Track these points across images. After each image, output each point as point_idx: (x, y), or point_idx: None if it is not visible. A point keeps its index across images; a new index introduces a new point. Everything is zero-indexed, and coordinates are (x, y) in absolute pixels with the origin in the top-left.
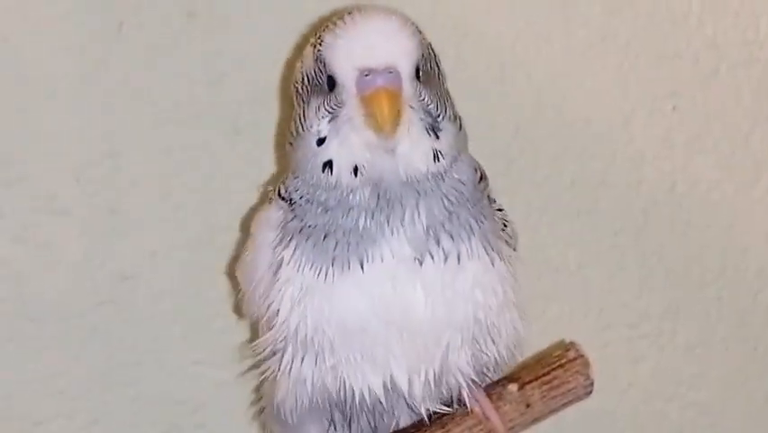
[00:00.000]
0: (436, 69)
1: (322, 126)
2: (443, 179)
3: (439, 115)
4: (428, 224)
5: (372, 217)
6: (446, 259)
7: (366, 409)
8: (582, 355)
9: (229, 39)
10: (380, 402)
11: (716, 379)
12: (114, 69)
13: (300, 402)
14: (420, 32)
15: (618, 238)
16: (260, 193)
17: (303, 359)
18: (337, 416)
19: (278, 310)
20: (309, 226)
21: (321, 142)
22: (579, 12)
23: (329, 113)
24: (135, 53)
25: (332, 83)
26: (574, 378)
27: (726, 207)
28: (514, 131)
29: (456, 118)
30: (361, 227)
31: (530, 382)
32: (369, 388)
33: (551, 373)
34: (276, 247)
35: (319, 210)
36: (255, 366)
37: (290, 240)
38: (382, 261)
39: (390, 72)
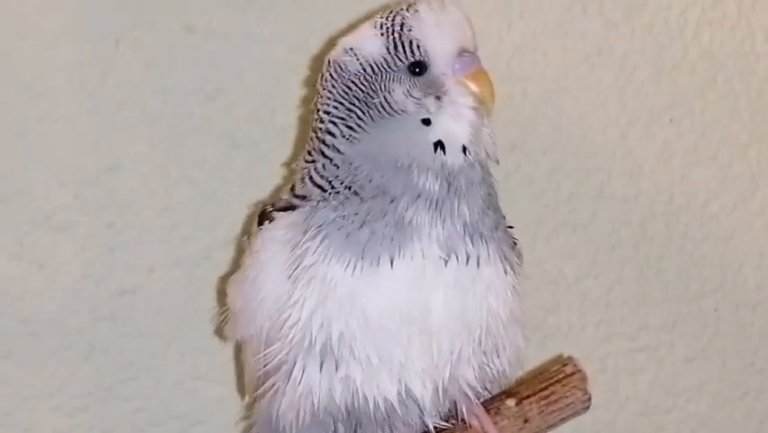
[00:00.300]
0: None
1: (426, 108)
2: (489, 175)
3: None
4: (467, 221)
5: (428, 207)
6: (468, 261)
7: (372, 421)
8: (580, 370)
9: (227, 54)
10: (387, 415)
11: (714, 391)
12: (112, 85)
13: (303, 416)
14: None
15: (616, 251)
16: (253, 211)
17: (315, 367)
18: (340, 430)
19: (303, 306)
20: (344, 217)
21: (427, 122)
22: (575, 26)
23: (428, 94)
24: (133, 69)
25: (420, 67)
26: (572, 393)
27: (723, 220)
28: (511, 144)
29: None
30: (407, 220)
31: (528, 397)
32: (383, 397)
33: (549, 387)
34: (294, 249)
35: (366, 197)
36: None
37: (318, 232)
38: (412, 259)
39: (475, 53)
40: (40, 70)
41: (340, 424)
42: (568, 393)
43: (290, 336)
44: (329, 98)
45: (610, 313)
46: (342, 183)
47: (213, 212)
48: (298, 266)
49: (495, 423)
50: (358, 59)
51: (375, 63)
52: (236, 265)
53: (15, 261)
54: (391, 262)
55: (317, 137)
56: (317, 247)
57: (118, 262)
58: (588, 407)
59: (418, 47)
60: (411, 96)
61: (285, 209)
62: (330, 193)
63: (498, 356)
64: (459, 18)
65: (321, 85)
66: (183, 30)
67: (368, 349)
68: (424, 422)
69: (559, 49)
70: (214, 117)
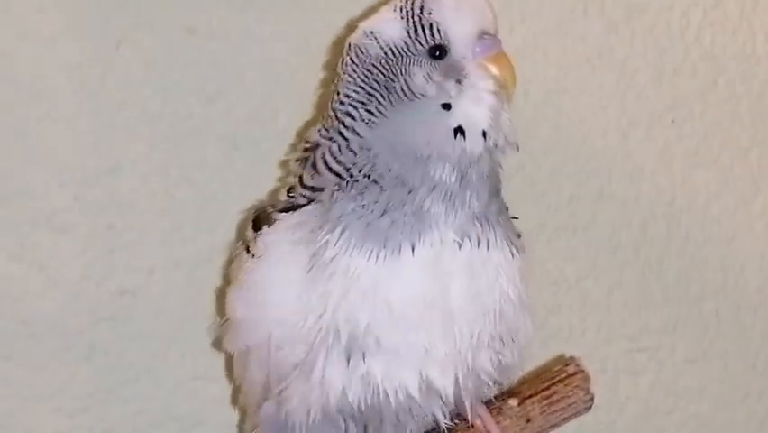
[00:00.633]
0: None
1: (446, 91)
2: (498, 163)
3: None
4: (478, 206)
5: (443, 199)
6: (478, 245)
7: (386, 418)
8: (582, 370)
9: (227, 55)
10: (404, 410)
11: (715, 393)
12: (113, 86)
13: (315, 414)
14: None
15: (617, 253)
16: (246, 216)
17: (340, 363)
18: (351, 428)
19: (327, 301)
20: (364, 206)
21: (447, 106)
22: (576, 27)
23: (448, 78)
24: (133, 70)
25: (440, 50)
26: (574, 393)
27: (725, 222)
28: None
29: None
30: (425, 209)
31: (530, 396)
32: (404, 389)
33: (551, 387)
34: (308, 246)
35: (386, 186)
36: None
37: (337, 223)
38: (431, 245)
39: (496, 36)
40: (40, 70)
41: (351, 422)
42: (570, 393)
43: (311, 335)
44: (349, 82)
45: (611, 314)
46: (360, 171)
47: (213, 213)
48: (317, 262)
49: (497, 423)
50: (378, 43)
51: (395, 47)
52: (227, 273)
53: (15, 262)
54: (412, 249)
55: (337, 117)
56: (338, 240)
57: (118, 263)
58: (590, 407)
59: (438, 30)
60: (431, 79)
61: (287, 210)
62: (348, 182)
63: (513, 341)
64: (479, 1)
65: (341, 68)
66: (183, 31)
67: (394, 337)
68: (435, 420)
69: (560, 50)
70: (214, 118)
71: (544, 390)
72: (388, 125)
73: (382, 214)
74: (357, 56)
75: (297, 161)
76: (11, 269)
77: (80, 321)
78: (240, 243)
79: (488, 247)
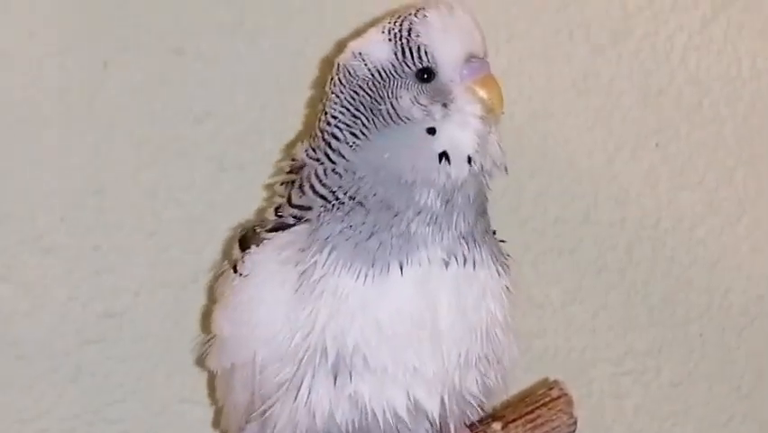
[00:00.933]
0: None
1: (432, 115)
2: (485, 184)
3: None
4: (465, 227)
5: (428, 223)
6: (465, 264)
7: None
8: (566, 394)
9: (215, 77)
10: (391, 431)
11: (700, 416)
12: (100, 107)
13: None
14: None
15: (602, 275)
16: (233, 235)
17: (327, 383)
18: None
19: (315, 321)
20: (351, 227)
21: (432, 131)
22: (562, 50)
23: (435, 101)
24: (121, 91)
25: (427, 73)
26: (558, 416)
27: (710, 244)
28: None
29: None
30: (411, 231)
31: (514, 420)
32: (392, 409)
33: (535, 411)
34: (297, 266)
35: (372, 209)
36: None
37: (325, 244)
38: (419, 265)
39: (485, 59)
40: (27, 92)
41: None
42: (554, 417)
43: (299, 354)
44: (336, 102)
45: (596, 337)
46: (346, 194)
47: (200, 235)
48: (305, 282)
49: None
50: (365, 65)
51: (383, 69)
52: (212, 291)
53: (2, 283)
54: (401, 269)
55: (323, 138)
56: (326, 260)
57: (105, 284)
58: (574, 431)
59: (426, 53)
60: (418, 102)
61: (275, 229)
62: (334, 204)
63: (498, 362)
64: (468, 23)
65: (329, 88)
66: (171, 52)
67: (382, 356)
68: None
69: (546, 73)
70: (201, 140)
71: (527, 413)
72: (373, 149)
73: (370, 236)
74: (344, 76)
75: (282, 184)
76: None
77: (67, 342)
78: (225, 261)
79: (474, 266)
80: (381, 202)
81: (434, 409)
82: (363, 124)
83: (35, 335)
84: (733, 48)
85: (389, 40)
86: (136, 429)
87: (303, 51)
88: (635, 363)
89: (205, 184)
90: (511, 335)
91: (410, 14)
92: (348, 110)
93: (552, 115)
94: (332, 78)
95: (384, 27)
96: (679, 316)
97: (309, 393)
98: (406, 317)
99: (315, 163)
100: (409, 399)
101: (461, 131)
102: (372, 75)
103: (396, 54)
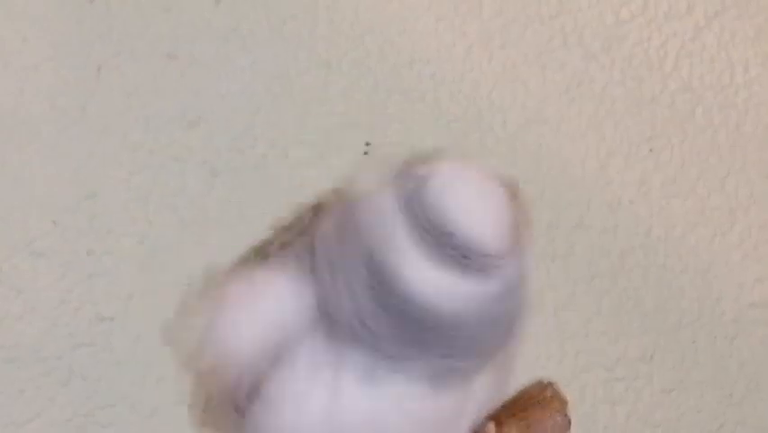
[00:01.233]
0: None
1: None
2: None
3: None
4: None
5: None
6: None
7: None
8: (560, 394)
9: (209, 82)
10: None
11: (692, 422)
12: (93, 112)
13: None
14: None
15: (595, 282)
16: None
17: None
18: None
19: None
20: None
21: None
22: (555, 57)
23: None
24: (114, 96)
25: None
26: (552, 417)
27: (702, 251)
28: None
29: None
30: None
31: (508, 420)
32: None
33: (528, 411)
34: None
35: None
36: None
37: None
38: None
39: None
40: (20, 97)
41: None
42: (548, 417)
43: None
44: None
45: (589, 344)
46: None
47: (192, 240)
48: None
49: None
50: None
51: None
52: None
53: None
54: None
55: None
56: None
57: (97, 288)
58: (568, 431)
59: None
60: None
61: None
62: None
63: None
64: None
65: None
66: (165, 57)
67: None
68: None
69: (539, 80)
70: (194, 145)
71: (521, 413)
72: None
73: None
74: None
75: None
76: None
77: (59, 346)
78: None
79: None
80: None
81: None
82: None
83: (27, 338)
84: (726, 55)
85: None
86: None
87: (296, 57)
88: (628, 369)
89: (197, 189)
90: None
91: None
92: None
93: (545, 122)
94: None
95: None
96: (671, 322)
97: None
98: None
99: None
100: None
101: None
102: None
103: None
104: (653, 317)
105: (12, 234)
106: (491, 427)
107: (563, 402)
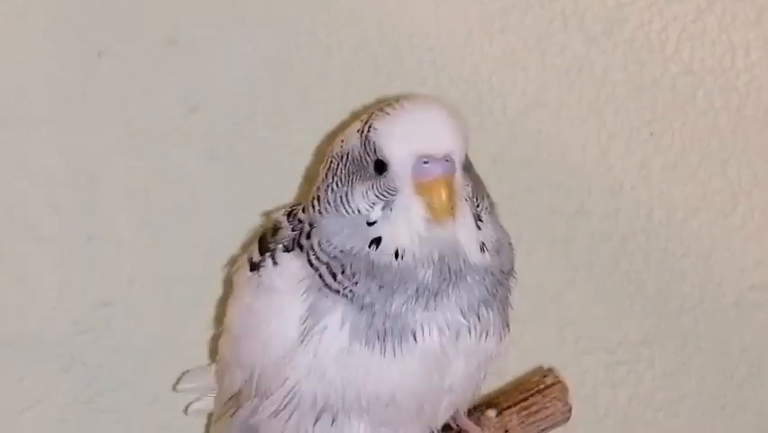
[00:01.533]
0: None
1: (374, 212)
2: (489, 272)
3: (479, 205)
4: (463, 308)
5: (416, 301)
6: (470, 336)
7: None
8: (561, 381)
9: (208, 66)
10: None
11: (693, 405)
12: (93, 97)
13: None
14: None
15: (596, 266)
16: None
17: (306, 416)
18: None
19: (310, 371)
20: (346, 296)
21: (371, 224)
22: (556, 41)
23: (380, 198)
24: (114, 81)
25: (381, 167)
26: (552, 404)
27: (703, 235)
28: (491, 160)
29: (492, 207)
30: (403, 307)
31: (508, 407)
32: None
33: (529, 398)
34: (308, 312)
35: (359, 283)
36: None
37: (328, 308)
38: (416, 341)
39: (447, 161)
40: (20, 82)
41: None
42: (548, 404)
43: (288, 393)
44: (324, 169)
45: (590, 327)
46: (336, 259)
47: (193, 224)
48: (311, 338)
49: None
50: (343, 147)
51: (353, 156)
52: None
53: None
54: (400, 346)
55: (315, 198)
56: (334, 324)
57: (98, 274)
58: (568, 418)
59: (380, 150)
60: (366, 197)
61: (288, 249)
62: (329, 269)
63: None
64: (431, 122)
65: (327, 156)
66: (165, 42)
67: (371, 416)
68: None
69: (539, 64)
70: (195, 130)
71: (522, 400)
72: (327, 222)
73: (363, 307)
74: (334, 148)
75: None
76: None
77: (59, 332)
78: (245, 256)
79: (479, 338)
80: (368, 275)
81: None
82: (335, 207)
83: (28, 325)
84: (727, 38)
85: (358, 131)
86: (129, 419)
87: (296, 41)
88: (629, 352)
89: (197, 173)
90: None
91: (380, 109)
92: (324, 185)
93: (545, 106)
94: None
95: (363, 117)
96: (672, 306)
97: (298, 426)
98: (404, 388)
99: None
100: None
101: (397, 229)
102: (344, 159)
103: (362, 145)
104: (655, 301)
105: (12, 219)
106: (492, 414)
107: (564, 389)
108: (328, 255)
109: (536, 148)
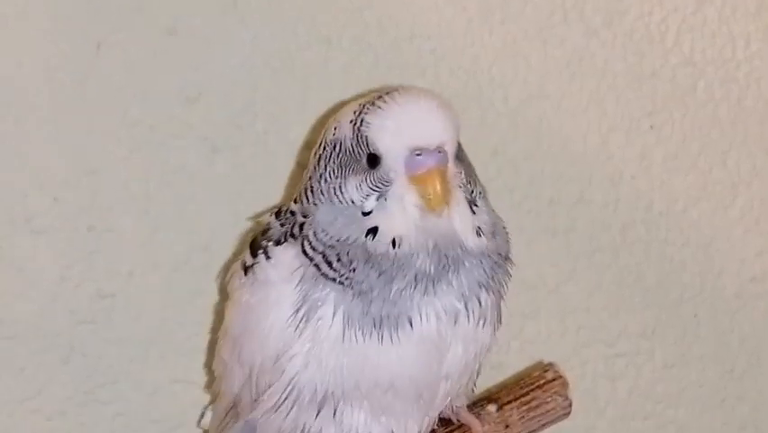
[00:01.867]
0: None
1: (368, 203)
2: (486, 255)
3: (473, 192)
4: (463, 293)
5: (414, 287)
6: (468, 321)
7: None
8: (561, 376)
9: (208, 57)
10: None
11: (693, 398)
12: (93, 88)
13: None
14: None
15: (596, 257)
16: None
17: (305, 408)
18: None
19: (309, 361)
20: (343, 283)
21: (366, 214)
22: (556, 33)
23: (374, 190)
24: (114, 72)
25: (374, 160)
26: (553, 399)
27: (703, 226)
28: (492, 151)
29: (484, 193)
30: (401, 293)
31: (509, 402)
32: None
33: (530, 393)
34: (304, 301)
35: (357, 270)
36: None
37: (325, 296)
38: (412, 327)
39: (440, 152)
40: (20, 74)
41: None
42: (549, 399)
43: (288, 385)
44: (317, 156)
45: (590, 319)
46: (332, 249)
47: (193, 216)
48: (306, 327)
49: None
50: (334, 138)
51: (346, 147)
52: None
53: None
54: (397, 332)
55: (308, 188)
56: (328, 313)
57: (98, 265)
58: (568, 413)
59: (372, 144)
60: (360, 189)
61: (279, 242)
62: (325, 259)
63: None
64: (423, 114)
65: (320, 140)
66: (164, 33)
67: (371, 404)
68: None
69: (540, 55)
70: (194, 121)
71: (522, 396)
72: (322, 212)
73: (360, 293)
74: (325, 137)
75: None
76: None
77: (59, 323)
78: (238, 263)
79: (477, 324)
80: (365, 264)
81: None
82: (329, 197)
83: (27, 315)
84: (727, 29)
85: (351, 122)
86: (128, 410)
87: (296, 32)
88: (629, 344)
89: (197, 165)
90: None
91: (374, 100)
92: (315, 175)
93: (546, 97)
94: (325, 130)
95: (356, 106)
96: (672, 297)
97: (298, 418)
98: (403, 375)
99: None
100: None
101: (394, 217)
102: (336, 150)
103: (354, 138)
104: (655, 292)
105: (12, 210)
106: (492, 408)
107: (564, 384)
108: (324, 245)
109: (537, 139)
